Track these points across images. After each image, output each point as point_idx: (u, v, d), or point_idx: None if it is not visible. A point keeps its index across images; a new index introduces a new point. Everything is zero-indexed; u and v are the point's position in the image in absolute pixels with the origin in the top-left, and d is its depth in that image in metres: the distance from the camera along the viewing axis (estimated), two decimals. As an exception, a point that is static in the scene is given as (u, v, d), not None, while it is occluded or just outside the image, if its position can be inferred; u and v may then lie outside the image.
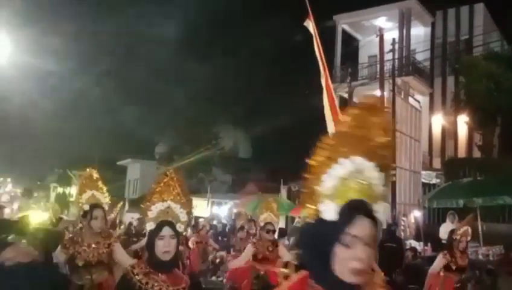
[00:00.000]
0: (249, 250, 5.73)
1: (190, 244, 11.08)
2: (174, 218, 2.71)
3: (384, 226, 11.40)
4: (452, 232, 5.94)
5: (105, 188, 4.50)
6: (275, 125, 23.23)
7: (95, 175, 4.53)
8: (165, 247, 2.59)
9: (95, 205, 4.24)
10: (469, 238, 5.90)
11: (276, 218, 5.90)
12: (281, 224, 14.78)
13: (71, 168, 24.95)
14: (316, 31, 9.13)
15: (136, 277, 2.58)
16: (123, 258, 4.27)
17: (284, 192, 19.21)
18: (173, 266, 2.72)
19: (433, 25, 23.33)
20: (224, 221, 17.05)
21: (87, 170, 4.55)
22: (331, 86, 9.70)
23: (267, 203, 6.09)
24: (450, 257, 5.76)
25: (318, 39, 9.25)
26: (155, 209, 2.68)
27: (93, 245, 4.13)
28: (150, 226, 2.66)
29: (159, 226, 2.64)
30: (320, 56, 9.35)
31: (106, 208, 4.37)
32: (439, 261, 5.85)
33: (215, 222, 15.88)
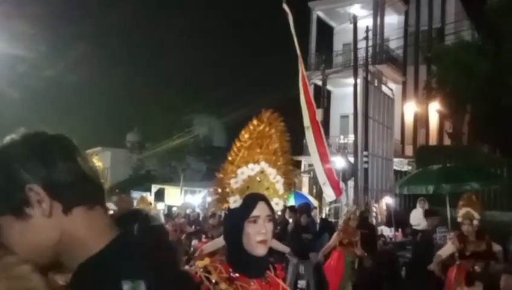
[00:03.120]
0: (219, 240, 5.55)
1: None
2: (269, 189, 1.86)
3: (357, 213, 11.54)
4: None
5: (102, 175, 3.68)
6: (250, 113, 23.12)
7: (95, 161, 3.46)
8: (259, 234, 1.72)
9: None
10: (475, 222, 5.39)
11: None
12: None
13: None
14: (291, 16, 9.05)
15: (216, 287, 1.67)
16: None
17: (258, 180, 19.18)
18: (268, 266, 1.85)
19: (406, 13, 23.54)
20: (198, 210, 16.95)
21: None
22: (305, 73, 9.70)
23: None
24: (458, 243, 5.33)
25: (292, 25, 9.17)
26: (241, 175, 1.82)
27: None
28: (233, 202, 1.78)
29: (250, 201, 1.77)
30: (296, 43, 9.28)
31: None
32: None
33: (188, 211, 15.75)
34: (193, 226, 14.22)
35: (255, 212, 1.73)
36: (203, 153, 27.46)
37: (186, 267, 10.07)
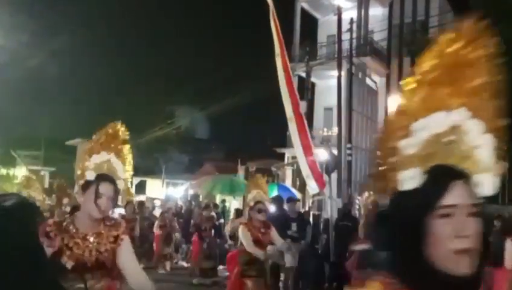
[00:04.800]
0: (244, 232, 5.12)
1: (155, 228, 10.71)
2: (469, 158, 1.03)
3: (340, 205, 11.48)
4: None
5: (130, 159, 2.89)
6: (233, 105, 22.98)
7: (123, 133, 2.89)
8: (458, 238, 0.97)
9: (104, 177, 2.65)
10: None
11: (266, 196, 5.34)
12: (238, 204, 14.63)
13: (15, 148, 23.72)
14: (273, 8, 8.87)
15: None
16: (130, 263, 2.75)
17: (241, 172, 19.08)
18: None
19: (390, 6, 23.50)
20: (180, 202, 16.76)
21: (110, 124, 2.89)
22: (289, 65, 9.54)
23: (255, 180, 5.53)
24: None
25: (275, 17, 8.98)
26: (420, 132, 1.04)
27: (91, 238, 2.64)
28: (409, 179, 1.02)
29: (440, 179, 1.01)
30: (278, 34, 9.10)
31: (122, 186, 2.78)
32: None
33: (170, 203, 15.58)
34: (175, 219, 14.02)
35: (448, 199, 0.98)
36: (185, 145, 27.26)
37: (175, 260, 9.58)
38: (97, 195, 2.60)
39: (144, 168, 25.23)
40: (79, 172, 2.73)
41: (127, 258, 2.74)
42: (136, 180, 20.23)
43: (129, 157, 2.90)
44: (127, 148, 2.90)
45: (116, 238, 2.70)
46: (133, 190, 12.20)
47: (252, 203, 5.24)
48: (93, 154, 2.74)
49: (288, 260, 8.12)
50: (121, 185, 2.78)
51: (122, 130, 2.91)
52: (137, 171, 25.93)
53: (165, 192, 18.21)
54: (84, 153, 2.78)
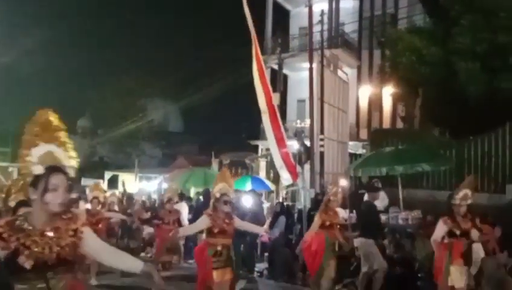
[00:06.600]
0: (204, 221, 5.42)
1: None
2: None
3: (313, 196, 11.65)
4: (450, 197, 5.56)
5: (71, 145, 2.74)
6: (206, 98, 22.88)
7: (55, 121, 2.70)
8: None
9: (54, 168, 2.54)
10: (469, 201, 5.41)
11: (231, 189, 5.60)
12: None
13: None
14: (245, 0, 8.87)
15: None
16: (99, 247, 2.76)
17: (215, 165, 19.09)
18: None
19: (361, -2, 23.77)
20: (154, 196, 16.65)
21: (38, 112, 2.68)
22: (261, 57, 9.57)
23: (222, 173, 5.82)
24: (451, 223, 5.40)
25: (247, 8, 8.99)
26: None
27: (50, 233, 2.54)
28: None
29: None
30: (251, 26, 9.12)
31: (72, 174, 2.67)
32: (440, 228, 5.49)
33: (143, 197, 15.44)
34: (149, 213, 13.92)
35: None
36: (159, 139, 26.97)
37: (143, 254, 9.70)
38: (51, 188, 2.50)
39: (116, 163, 24.89)
40: (24, 169, 2.58)
41: (94, 245, 2.71)
42: (108, 174, 19.95)
43: (70, 144, 2.74)
44: (64, 135, 2.72)
45: (76, 231, 2.61)
46: (104, 186, 12.03)
47: (218, 195, 5.46)
48: (31, 148, 2.59)
49: (380, 262, 7.54)
50: (71, 173, 2.66)
51: (53, 117, 2.71)
52: (109, 166, 25.62)
53: (138, 186, 18.05)
54: (22, 148, 2.59)
